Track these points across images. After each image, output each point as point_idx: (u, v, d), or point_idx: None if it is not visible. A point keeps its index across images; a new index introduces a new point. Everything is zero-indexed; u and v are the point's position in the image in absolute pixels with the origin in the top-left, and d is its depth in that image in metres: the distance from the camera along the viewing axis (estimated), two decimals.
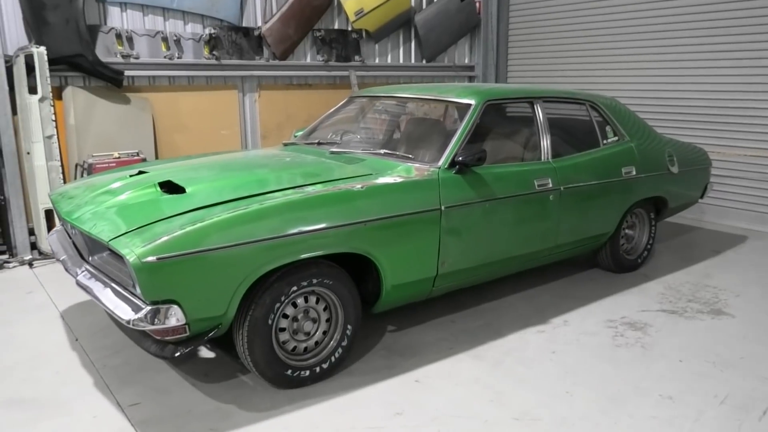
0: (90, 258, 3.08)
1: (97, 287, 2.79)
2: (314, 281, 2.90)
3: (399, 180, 3.20)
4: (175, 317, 2.52)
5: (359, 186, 3.04)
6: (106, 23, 5.57)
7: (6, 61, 4.91)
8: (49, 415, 2.75)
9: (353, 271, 3.13)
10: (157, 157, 5.79)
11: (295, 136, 4.51)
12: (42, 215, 5.00)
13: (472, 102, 3.68)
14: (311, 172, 3.26)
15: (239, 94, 6.46)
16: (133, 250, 2.45)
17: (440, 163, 3.39)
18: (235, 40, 6.30)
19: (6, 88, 4.89)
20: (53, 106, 5.03)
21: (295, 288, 2.84)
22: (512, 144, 4.07)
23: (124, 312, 2.53)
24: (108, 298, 2.67)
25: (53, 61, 5.07)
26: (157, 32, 5.84)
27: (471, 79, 8.41)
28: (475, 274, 3.65)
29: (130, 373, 3.11)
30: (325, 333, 3.06)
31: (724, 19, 6.08)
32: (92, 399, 2.88)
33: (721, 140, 6.28)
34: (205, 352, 3.33)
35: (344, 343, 3.08)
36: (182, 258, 2.48)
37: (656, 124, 6.44)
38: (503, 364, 3.26)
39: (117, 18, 5.64)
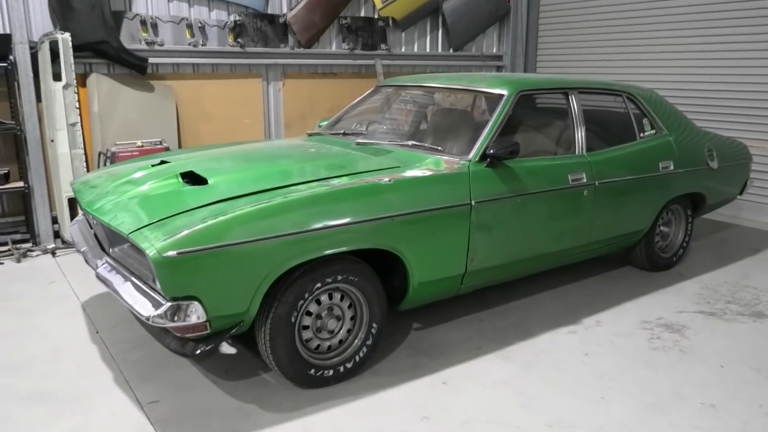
0: (110, 250, 3.01)
1: (116, 281, 2.71)
2: (339, 278, 2.79)
3: (428, 173, 3.08)
4: (195, 314, 2.43)
5: (387, 179, 2.92)
6: (131, 9, 5.51)
7: (31, 48, 4.87)
8: (69, 411, 2.69)
9: (379, 267, 3.01)
10: (180, 146, 5.73)
11: (320, 126, 4.40)
12: (65, 204, 4.97)
13: (505, 92, 3.53)
14: (336, 164, 3.15)
15: (263, 83, 6.37)
16: (153, 244, 2.37)
17: (471, 156, 3.26)
18: (260, 28, 6.19)
19: (30, 74, 4.85)
20: (77, 93, 4.98)
21: (319, 285, 2.74)
22: (545, 137, 3.91)
23: (144, 308, 2.45)
24: (128, 292, 2.59)
25: (78, 48, 5.01)
26: (182, 19, 5.76)
27: (499, 69, 8.21)
28: (505, 272, 3.52)
29: (150, 368, 3.05)
30: (349, 331, 2.96)
31: None
32: (112, 395, 2.82)
33: (763, 134, 6.02)
34: (227, 348, 3.25)
35: (369, 342, 2.98)
36: (204, 253, 2.39)
37: (695, 117, 6.20)
38: (534, 366, 3.13)
39: (142, 4, 5.57)
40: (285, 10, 6.33)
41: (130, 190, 2.97)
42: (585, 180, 3.68)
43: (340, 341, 2.94)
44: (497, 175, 3.26)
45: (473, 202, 3.12)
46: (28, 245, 4.97)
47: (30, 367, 3.06)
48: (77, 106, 4.98)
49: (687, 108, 6.31)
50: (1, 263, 4.63)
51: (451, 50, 7.66)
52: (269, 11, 6.25)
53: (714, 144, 4.68)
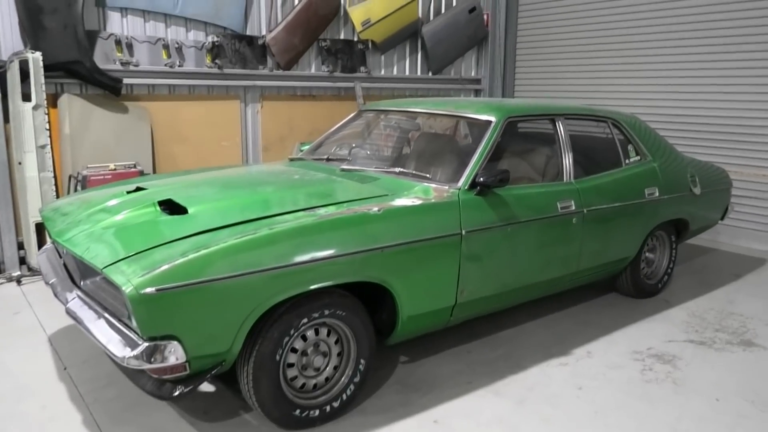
0: (82, 282, 2.84)
1: (88, 317, 2.54)
2: (326, 312, 2.66)
3: (417, 202, 2.98)
4: (174, 355, 2.27)
5: (376, 209, 2.81)
6: (105, 29, 5.35)
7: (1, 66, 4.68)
8: None
9: (366, 300, 2.89)
10: (155, 170, 5.55)
11: (302, 151, 4.29)
12: (32, 229, 4.75)
13: (493, 118, 3.46)
14: (322, 192, 3.03)
15: (241, 105, 6.24)
16: (129, 280, 2.21)
17: (460, 183, 3.17)
18: (238, 49, 6.08)
19: None
20: (47, 114, 4.80)
21: (305, 320, 2.61)
22: (532, 163, 3.86)
23: (118, 348, 2.29)
24: (100, 331, 2.42)
25: (49, 68, 4.83)
26: (158, 39, 5.61)
27: (477, 92, 8.22)
28: (495, 303, 3.43)
29: (122, 409, 2.86)
30: (336, 368, 2.82)
31: (744, 36, 5.90)
32: None
33: (740, 159, 6.09)
34: (206, 386, 3.08)
35: (357, 379, 2.84)
36: (184, 289, 2.25)
37: (674, 142, 6.25)
38: (527, 401, 3.02)
39: (117, 24, 5.42)
40: (264, 32, 6.24)
41: (104, 219, 2.80)
42: (574, 207, 3.62)
43: (327, 379, 2.80)
44: (487, 203, 3.17)
45: (464, 232, 3.03)
46: None
47: None
48: (47, 127, 4.79)
49: (666, 133, 6.36)
50: None
51: (430, 73, 7.63)
52: (248, 32, 6.15)
53: (696, 170, 4.69)
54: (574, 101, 7.17)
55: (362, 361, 2.84)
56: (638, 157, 4.27)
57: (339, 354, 2.81)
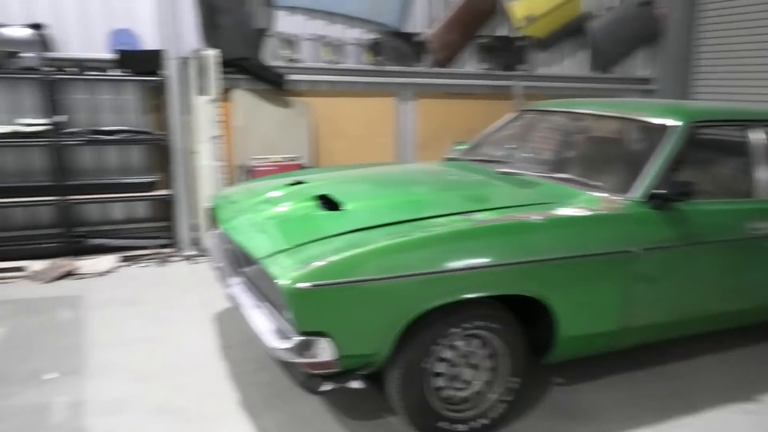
0: (244, 268, 2.95)
1: (247, 304, 2.62)
2: (478, 323, 2.52)
3: (585, 213, 2.73)
4: (325, 351, 2.26)
5: (538, 217, 2.62)
6: (273, 27, 5.60)
7: (181, 63, 5.06)
8: (195, 431, 2.63)
9: (521, 314, 2.71)
10: (313, 163, 5.73)
11: (457, 150, 4.16)
12: (204, 213, 5.10)
13: (677, 123, 3.09)
14: (479, 196, 2.89)
15: (397, 102, 6.25)
16: (286, 273, 2.23)
17: (634, 194, 2.87)
18: (396, 46, 6.09)
19: (179, 89, 5.04)
20: (220, 107, 5.12)
21: (455, 330, 2.49)
22: (721, 176, 3.42)
23: (272, 339, 2.33)
24: (256, 319, 2.49)
25: (224, 64, 5.16)
26: (321, 37, 5.78)
27: (648, 93, 7.58)
28: (666, 331, 3.07)
29: (275, 394, 2.93)
30: (486, 383, 2.67)
31: None
32: (235, 419, 2.73)
33: None
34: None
35: (508, 398, 2.67)
36: (338, 287, 2.22)
37: None
38: None
39: (283, 22, 5.65)
40: (422, 29, 6.20)
41: (266, 210, 2.89)
42: None
43: (476, 393, 2.66)
44: (665, 219, 2.84)
45: (635, 250, 2.73)
46: (170, 250, 5.12)
47: (161, 379, 3.06)
48: (220, 120, 5.12)
49: None
50: (146, 266, 4.80)
51: (596, 72, 7.16)
52: (405, 29, 6.14)
53: None
54: None
55: (515, 379, 2.67)
56: None
57: (490, 369, 2.66)
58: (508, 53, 6.63)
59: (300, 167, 5.21)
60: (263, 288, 2.65)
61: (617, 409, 2.93)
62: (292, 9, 5.68)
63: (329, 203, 2.85)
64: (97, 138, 4.83)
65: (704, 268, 2.98)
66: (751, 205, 3.18)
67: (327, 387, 2.39)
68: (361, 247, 2.32)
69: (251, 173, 5.03)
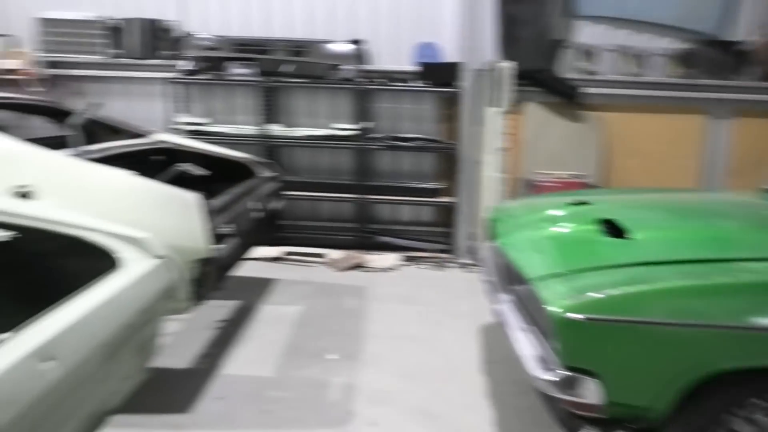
0: (515, 286, 2.89)
1: (512, 324, 2.56)
2: None
3: None
4: (591, 392, 2.08)
5: None
6: (572, 38, 5.42)
7: (476, 75, 5.21)
8: None
9: None
10: (601, 182, 5.41)
11: None
12: (482, 224, 5.18)
13: None
14: None
15: (707, 120, 5.54)
16: (557, 301, 2.11)
17: None
18: (711, 56, 5.40)
19: (471, 100, 5.19)
20: (510, 120, 5.13)
21: (757, 401, 2.07)
22: None
23: (534, 366, 2.22)
24: (521, 342, 2.40)
25: (518, 76, 5.16)
26: (623, 47, 5.42)
27: None
28: None
29: (534, 422, 2.83)
30: None
31: None
32: None
33: None
34: None
35: None
36: (615, 325, 2.02)
37: None
38: None
39: (584, 32, 5.44)
40: (747, 37, 5.37)
41: (544, 228, 2.79)
42: None
43: None
44: None
45: None
46: (447, 256, 5.33)
47: (426, 382, 3.19)
48: (507, 132, 5.13)
49: None
50: (425, 268, 5.08)
51: None
52: (727, 38, 5.39)
53: None
54: None
55: None
56: None
57: None
58: None
59: (585, 185, 4.96)
60: (532, 311, 2.56)
61: None
62: (595, 18, 5.44)
63: (614, 229, 2.63)
64: (394, 144, 5.26)
65: None
66: None
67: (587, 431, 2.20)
68: (648, 283, 2.08)
69: (533, 188, 4.95)
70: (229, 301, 4.02)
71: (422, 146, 5.32)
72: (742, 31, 5.41)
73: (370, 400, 2.96)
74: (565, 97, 5.37)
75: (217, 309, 3.86)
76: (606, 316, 2.03)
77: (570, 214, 2.91)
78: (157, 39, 5.45)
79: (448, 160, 5.44)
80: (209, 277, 2.73)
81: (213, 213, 2.83)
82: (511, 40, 5.33)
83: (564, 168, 5.24)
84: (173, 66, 5.33)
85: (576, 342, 2.07)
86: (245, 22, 5.50)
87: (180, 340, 3.46)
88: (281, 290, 4.37)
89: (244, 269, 4.57)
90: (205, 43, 5.32)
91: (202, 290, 2.71)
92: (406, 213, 5.65)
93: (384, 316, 3.99)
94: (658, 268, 2.19)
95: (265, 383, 3.05)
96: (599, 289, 2.10)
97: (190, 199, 2.74)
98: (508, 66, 5.08)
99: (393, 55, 5.47)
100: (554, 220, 2.85)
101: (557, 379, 2.11)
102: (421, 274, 4.91)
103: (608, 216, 2.73)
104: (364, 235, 5.37)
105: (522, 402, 2.99)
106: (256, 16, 5.50)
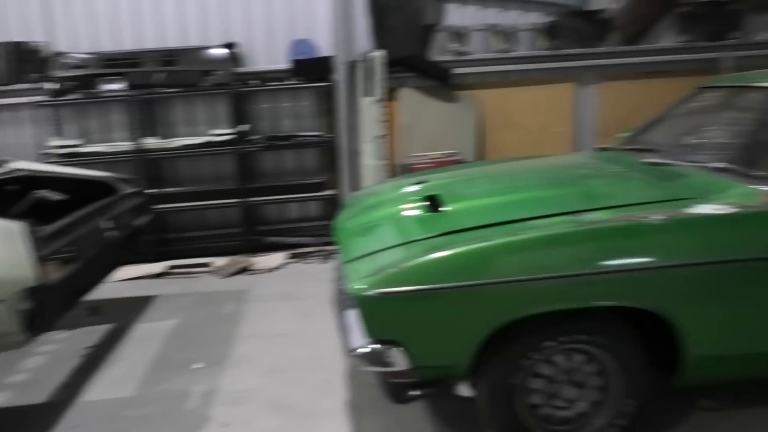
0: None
1: (344, 305, 2.64)
2: (580, 337, 2.22)
3: (727, 210, 2.24)
4: (398, 361, 2.18)
5: (659, 217, 2.21)
6: (442, 22, 5.54)
7: (350, 66, 5.28)
8: (296, 429, 2.74)
9: (648, 328, 2.32)
10: (479, 158, 5.57)
11: (620, 138, 3.70)
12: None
13: None
14: (599, 193, 2.55)
15: (576, 88, 5.78)
16: (358, 279, 2.20)
17: None
18: (576, 27, 5.62)
19: (346, 92, 5.27)
20: (385, 107, 5.24)
21: (551, 343, 2.22)
22: None
23: (352, 341, 2.31)
24: (345, 322, 2.48)
25: (390, 63, 5.26)
26: (492, 26, 5.59)
27: None
28: None
29: (382, 401, 2.91)
30: (594, 404, 2.34)
31: None
32: (340, 420, 2.78)
33: None
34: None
35: (620, 422, 2.32)
36: (410, 295, 2.12)
37: None
38: None
39: (453, 15, 5.56)
40: (607, 5, 5.62)
41: (372, 213, 2.88)
42: None
43: (580, 414, 2.35)
44: None
45: None
46: (333, 248, 5.40)
47: (288, 374, 3.24)
48: (384, 119, 5.24)
49: None
50: (311, 263, 5.13)
51: None
52: (589, 7, 5.63)
53: None
54: None
55: (630, 401, 2.30)
56: None
57: (599, 388, 2.33)
58: (716, 21, 5.72)
59: (459, 162, 5.10)
60: (345, 291, 2.66)
61: None
62: (463, 1, 5.58)
63: (436, 204, 2.74)
64: (274, 143, 5.28)
65: None
66: None
67: (408, 396, 2.30)
68: (440, 252, 2.19)
69: (408, 171, 5.07)
70: (102, 325, 3.96)
71: (302, 142, 5.37)
72: (603, 1, 5.65)
73: (228, 402, 2.98)
74: (439, 80, 5.49)
75: (88, 335, 3.81)
76: (400, 288, 2.13)
77: (400, 196, 3.01)
78: (23, 62, 5.29)
79: (329, 153, 5.50)
80: (44, 306, 2.66)
81: (44, 239, 2.76)
82: (382, 29, 5.41)
83: (444, 148, 5.37)
84: (41, 89, 5.20)
85: (377, 316, 2.17)
86: (116, 36, 5.39)
87: (41, 373, 3.38)
88: (159, 306, 4.31)
89: (124, 289, 4.54)
90: (74, 61, 5.21)
91: (38, 320, 2.65)
92: (293, 210, 5.69)
93: (259, 317, 4.01)
94: (456, 236, 2.30)
95: (124, 403, 3.02)
96: (396, 264, 2.20)
97: (12, 227, 2.68)
98: (379, 55, 5.18)
99: (269, 54, 5.47)
100: (384, 204, 2.95)
101: (366, 352, 2.20)
102: (306, 269, 4.96)
103: (434, 192, 2.85)
104: (252, 238, 5.38)
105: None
106: (127, 29, 5.41)
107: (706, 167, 2.65)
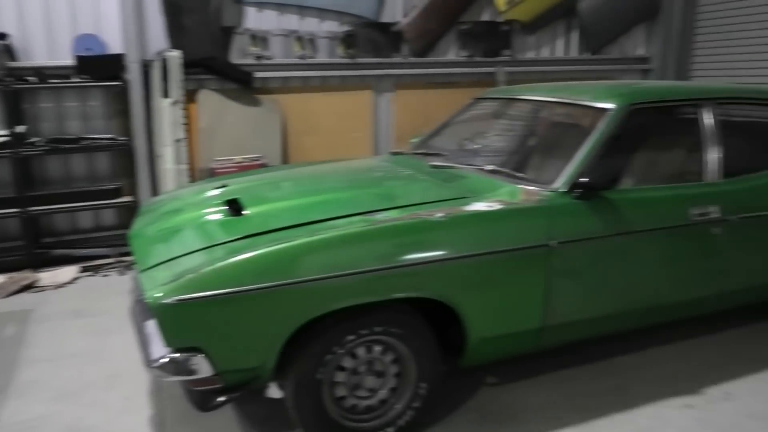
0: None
1: (141, 317, 2.54)
2: (377, 329, 2.39)
3: (496, 207, 2.56)
4: (201, 368, 2.16)
5: (440, 214, 2.46)
6: (241, 25, 5.51)
7: (144, 66, 5.02)
8: None
9: (436, 316, 2.56)
10: (283, 161, 5.64)
11: (411, 143, 4.01)
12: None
13: (611, 106, 2.88)
14: (391, 194, 2.75)
15: (374, 95, 6.10)
16: (155, 288, 2.14)
17: (557, 184, 2.68)
18: (371, 37, 5.93)
19: (142, 92, 5.00)
20: (185, 109, 5.07)
21: (352, 336, 2.36)
22: (666, 160, 3.18)
23: (150, 353, 2.24)
24: (147, 331, 2.39)
25: (188, 65, 5.10)
26: (292, 32, 5.67)
27: (645, 73, 7.25)
28: (602, 326, 2.88)
29: (189, 408, 2.83)
30: (393, 390, 2.54)
31: None
32: None
33: None
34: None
35: (416, 404, 2.54)
36: (209, 300, 2.11)
37: None
38: None
39: (253, 19, 5.56)
40: (399, 18, 6.02)
41: (172, 218, 2.80)
42: (718, 214, 2.91)
43: (382, 401, 2.53)
44: (590, 209, 2.65)
45: (554, 244, 2.55)
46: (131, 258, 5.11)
47: (82, 394, 3.01)
48: (184, 122, 5.07)
49: None
50: (108, 275, 4.79)
51: (587, 54, 6.87)
52: (382, 20, 5.98)
53: None
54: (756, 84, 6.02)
55: (423, 384, 2.52)
56: None
57: (397, 375, 2.53)
58: (491, 39, 6.40)
59: (261, 166, 5.12)
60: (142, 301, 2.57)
61: (546, 409, 2.77)
62: (261, 5, 5.59)
63: (238, 208, 2.74)
64: (59, 147, 4.83)
65: (640, 258, 2.78)
66: (697, 189, 2.96)
67: (214, 403, 2.29)
68: (238, 256, 2.20)
69: (211, 175, 4.97)
70: None
71: (93, 146, 4.96)
72: (396, 13, 6.02)
73: None
74: (240, 83, 5.45)
75: None
76: (200, 293, 2.11)
77: (201, 201, 2.96)
78: None
79: (125, 157, 5.17)
80: None
81: None
82: (178, 29, 5.22)
83: (248, 152, 5.34)
84: None
85: (176, 323, 2.13)
86: None
87: None
88: None
89: None
90: None
91: None
92: (86, 220, 5.25)
93: (47, 338, 3.64)
94: (256, 239, 2.33)
95: None
96: (196, 269, 2.17)
97: None
98: (176, 55, 4.99)
99: (51, 49, 4.97)
100: (185, 210, 2.88)
101: (166, 362, 2.14)
102: (102, 283, 4.61)
103: (235, 196, 2.85)
104: (36, 251, 4.86)
105: (180, 392, 2.99)
106: None
107: (482, 170, 3.00)
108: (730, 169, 3.05)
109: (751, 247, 3.06)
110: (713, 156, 3.03)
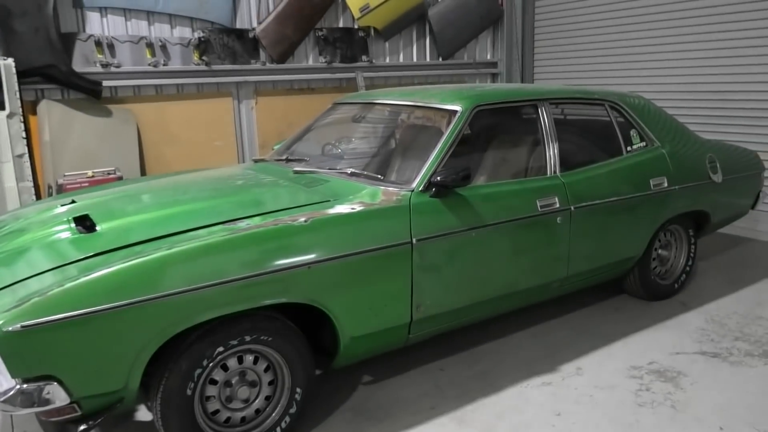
0: None
1: None
2: (247, 338, 2.36)
3: (357, 209, 2.63)
4: (56, 396, 2.01)
5: (303, 219, 2.48)
6: (84, 30, 5.18)
7: None
8: None
9: (306, 319, 2.58)
10: (140, 173, 5.37)
11: (274, 150, 3.99)
12: None
13: (458, 108, 3.07)
14: (254, 201, 2.72)
15: (234, 102, 5.99)
16: None
17: (413, 185, 2.80)
18: (227, 44, 5.83)
19: None
20: (24, 122, 4.67)
21: (221, 349, 2.31)
22: (511, 157, 3.44)
23: (1, 385, 2.05)
24: None
25: (23, 74, 4.71)
26: (141, 38, 5.41)
27: (494, 76, 7.75)
28: (464, 316, 3.05)
29: None
30: (268, 399, 2.52)
31: None
32: None
33: None
34: (145, 413, 2.82)
35: (293, 410, 2.53)
36: (58, 323, 1.97)
37: (701, 125, 5.68)
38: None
39: (97, 24, 5.24)
40: (254, 24, 5.96)
41: (16, 239, 2.57)
42: (558, 205, 3.19)
43: (258, 411, 2.50)
44: (446, 206, 2.80)
45: (414, 240, 2.66)
46: None
47: None
48: (24, 135, 4.67)
49: (693, 115, 5.78)
50: None
51: (440, 59, 7.21)
52: (237, 26, 5.88)
53: (717, 154, 4.15)
54: (598, 84, 6.66)
55: (298, 389, 2.53)
56: (643, 143, 3.78)
57: (271, 383, 2.51)
58: (348, 45, 6.53)
59: (119, 179, 4.85)
60: None
61: (419, 401, 2.87)
62: (105, 10, 5.28)
63: (89, 224, 2.58)
64: None
65: (495, 249, 2.98)
66: (540, 182, 3.22)
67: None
68: (89, 275, 2.08)
69: (61, 191, 4.62)
70: None
71: None
72: (250, 20, 5.94)
73: None
74: (87, 92, 5.12)
75: None
76: (48, 317, 1.96)
77: (50, 217, 2.75)
78: None
79: None
80: None
81: None
82: (9, 34, 4.79)
83: (100, 165, 5.02)
84: None
85: (22, 352, 1.96)
86: None
87: None
88: None
89: None
90: None
91: None
92: None
93: None
94: (110, 255, 2.22)
95: None
96: (43, 292, 2.02)
97: None
98: (8, 64, 4.58)
99: None
100: (28, 229, 2.66)
101: (14, 395, 1.97)
102: None
103: (86, 212, 2.68)
104: None
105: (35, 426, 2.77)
106: None
107: (343, 173, 3.06)
108: (567, 163, 3.36)
109: (589, 233, 3.38)
110: (552, 152, 3.32)
